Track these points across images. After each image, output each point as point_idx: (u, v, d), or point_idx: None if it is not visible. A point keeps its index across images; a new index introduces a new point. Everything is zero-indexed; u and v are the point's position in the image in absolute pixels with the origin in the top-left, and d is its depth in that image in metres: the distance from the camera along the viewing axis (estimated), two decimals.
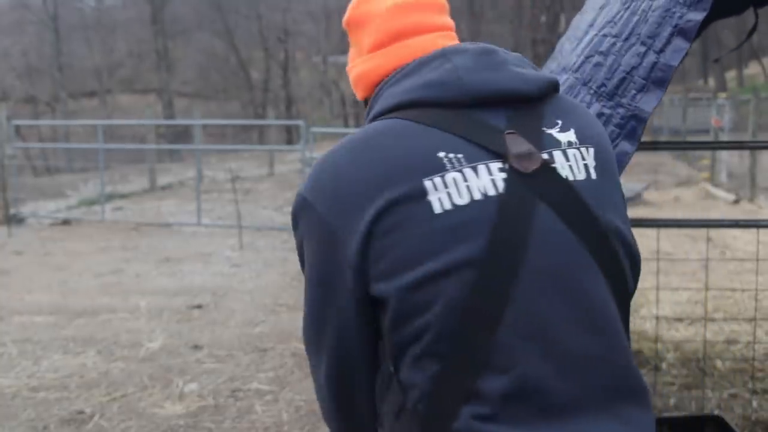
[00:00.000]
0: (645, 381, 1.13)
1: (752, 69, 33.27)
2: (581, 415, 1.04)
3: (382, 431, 1.21)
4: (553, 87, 1.23)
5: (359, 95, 1.37)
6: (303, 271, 1.21)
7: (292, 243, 9.83)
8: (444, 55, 1.21)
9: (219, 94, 38.25)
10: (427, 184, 1.08)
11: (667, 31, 1.55)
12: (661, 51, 1.55)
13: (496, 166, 1.10)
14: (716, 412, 3.37)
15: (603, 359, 1.07)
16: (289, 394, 4.14)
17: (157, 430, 3.71)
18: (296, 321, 5.55)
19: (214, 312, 5.86)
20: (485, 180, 1.09)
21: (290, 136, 28.10)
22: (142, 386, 4.28)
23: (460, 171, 1.09)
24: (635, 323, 4.70)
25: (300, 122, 10.72)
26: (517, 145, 1.12)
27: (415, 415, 1.08)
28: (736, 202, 10.82)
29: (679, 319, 4.92)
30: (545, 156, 1.13)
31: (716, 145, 8.53)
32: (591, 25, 1.99)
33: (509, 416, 1.03)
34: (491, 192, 1.08)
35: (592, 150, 1.19)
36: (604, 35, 1.73)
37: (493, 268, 1.05)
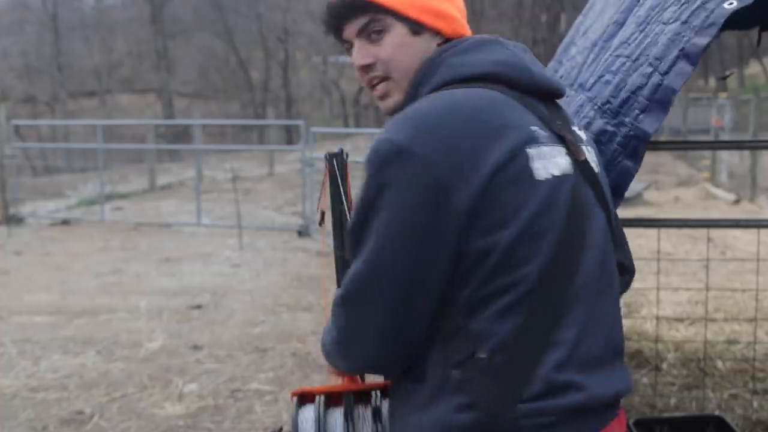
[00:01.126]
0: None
1: (752, 69, 33.28)
2: (606, 368, 1.21)
3: (418, 384, 1.18)
4: None
5: (436, 24, 1.31)
6: (360, 221, 1.15)
7: (292, 243, 9.78)
8: (498, 41, 1.29)
9: (219, 94, 38.26)
10: (529, 151, 1.15)
11: (673, 53, 1.55)
12: (666, 73, 1.55)
13: (563, 150, 1.21)
14: (717, 413, 3.36)
15: (614, 324, 1.26)
16: (288, 395, 4.14)
17: (156, 431, 3.71)
18: (296, 321, 5.55)
19: (214, 312, 5.86)
20: (561, 159, 1.20)
21: (290, 136, 28.08)
22: (142, 386, 4.27)
23: (548, 146, 1.19)
24: (636, 323, 4.70)
25: (300, 122, 10.72)
26: (569, 136, 1.24)
27: (489, 365, 1.12)
28: (737, 202, 10.82)
29: (680, 320, 4.91)
30: (583, 148, 1.27)
31: (717, 145, 8.53)
32: (607, 41, 1.99)
33: (576, 364, 1.15)
34: (567, 171, 1.20)
35: (593, 149, 1.36)
36: (618, 56, 1.74)
37: (570, 236, 1.17)
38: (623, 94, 1.63)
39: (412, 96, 1.29)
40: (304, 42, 37.78)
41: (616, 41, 1.86)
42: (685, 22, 1.57)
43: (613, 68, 1.73)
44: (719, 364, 4.09)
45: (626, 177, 1.58)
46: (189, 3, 37.14)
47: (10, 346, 5.01)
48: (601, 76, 1.75)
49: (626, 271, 1.44)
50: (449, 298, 1.15)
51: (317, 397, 1.39)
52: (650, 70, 1.59)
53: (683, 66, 1.54)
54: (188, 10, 37.25)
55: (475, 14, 33.50)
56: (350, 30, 1.34)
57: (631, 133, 1.57)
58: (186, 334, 5.27)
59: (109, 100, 36.35)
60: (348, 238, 1.19)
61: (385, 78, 1.32)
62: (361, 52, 1.33)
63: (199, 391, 4.21)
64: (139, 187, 14.32)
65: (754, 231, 5.03)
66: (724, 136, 12.97)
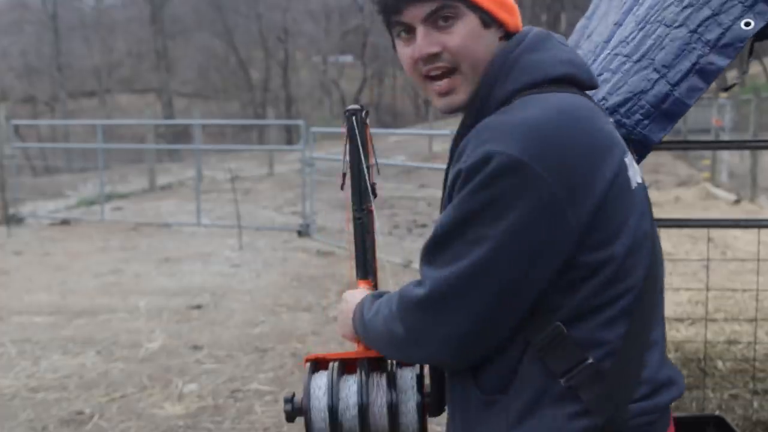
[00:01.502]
0: None
1: (753, 69, 33.28)
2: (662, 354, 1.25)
3: (502, 395, 1.17)
4: None
5: (503, 17, 1.24)
6: (458, 229, 1.10)
7: (292, 243, 9.78)
8: (551, 36, 1.26)
9: (219, 94, 38.27)
10: (626, 160, 1.18)
11: (684, 65, 1.53)
12: (677, 84, 1.54)
13: (630, 158, 1.23)
14: (717, 413, 3.36)
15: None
16: (288, 391, 4.13)
17: (156, 431, 3.70)
18: (296, 321, 5.55)
19: (214, 312, 5.85)
20: (634, 163, 1.24)
21: (290, 136, 28.08)
22: (142, 386, 4.27)
23: (629, 153, 1.21)
24: None
25: (300, 122, 10.71)
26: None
27: (598, 371, 1.13)
28: (737, 202, 10.82)
29: (680, 320, 4.91)
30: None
31: (717, 145, 8.54)
32: (606, 42, 1.98)
33: (666, 362, 1.23)
34: (640, 180, 1.24)
35: None
36: (616, 54, 1.73)
37: (654, 237, 1.23)
38: (622, 95, 1.61)
39: (484, 96, 1.21)
40: (304, 42, 37.81)
41: (614, 41, 1.85)
42: (694, 31, 1.55)
43: (612, 66, 1.71)
44: (719, 364, 4.09)
45: None
46: (189, 3, 37.14)
47: (10, 346, 5.00)
48: (599, 75, 1.74)
49: None
50: (547, 307, 1.12)
51: (331, 364, 1.38)
52: (656, 76, 1.57)
53: (697, 82, 1.53)
54: (188, 10, 37.25)
55: None
56: (414, 13, 1.21)
57: (633, 137, 1.55)
58: (186, 334, 5.27)
59: (108, 100, 36.35)
60: (436, 240, 1.14)
61: (451, 70, 1.22)
62: (427, 39, 1.21)
63: (198, 391, 4.20)
64: (139, 187, 14.31)
65: (754, 231, 5.02)
66: (725, 136, 12.97)
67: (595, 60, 2.04)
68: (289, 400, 1.36)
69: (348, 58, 40.03)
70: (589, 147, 1.11)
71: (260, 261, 7.83)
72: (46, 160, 20.39)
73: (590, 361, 1.12)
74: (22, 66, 34.21)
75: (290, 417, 1.37)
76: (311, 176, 9.55)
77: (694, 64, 1.53)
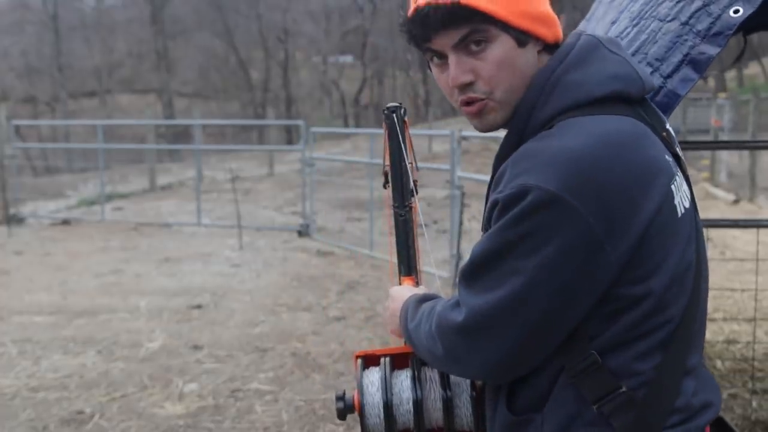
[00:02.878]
0: None
1: (752, 69, 33.27)
2: (707, 375, 1.25)
3: (537, 414, 1.17)
4: None
5: (539, 32, 1.19)
6: (494, 258, 1.10)
7: (292, 243, 9.78)
8: (599, 44, 1.19)
9: (219, 94, 38.27)
10: (672, 188, 1.13)
11: (677, 57, 1.54)
12: (669, 77, 1.54)
13: (680, 171, 1.19)
14: None
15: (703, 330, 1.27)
16: (288, 394, 4.14)
17: (157, 430, 3.71)
18: (296, 321, 5.56)
19: (214, 312, 5.86)
20: (685, 186, 1.19)
21: (290, 136, 28.09)
22: (142, 386, 4.28)
23: (678, 176, 1.17)
24: None
25: (300, 122, 10.72)
26: (675, 148, 1.22)
27: (632, 400, 1.12)
28: (736, 202, 10.83)
29: None
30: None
31: (716, 145, 8.54)
32: None
33: (703, 385, 1.20)
34: (689, 197, 1.20)
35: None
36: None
37: (698, 265, 1.19)
38: None
39: (525, 117, 1.18)
40: (304, 42, 37.82)
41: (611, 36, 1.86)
42: (686, 23, 1.55)
43: None
44: (718, 363, 4.10)
45: None
46: (189, 3, 37.14)
47: (11, 346, 5.01)
48: None
49: None
50: (584, 335, 1.12)
51: (382, 360, 1.37)
52: (649, 70, 1.57)
53: (689, 72, 1.52)
54: (188, 10, 37.25)
55: None
56: (444, 41, 1.17)
57: None
58: (186, 334, 5.28)
59: (109, 100, 36.36)
60: (473, 266, 1.13)
61: (485, 98, 1.19)
62: (460, 68, 1.17)
63: (199, 390, 4.21)
64: (139, 187, 14.32)
65: (753, 231, 5.03)
66: (724, 137, 12.97)
67: None
68: (341, 398, 1.36)
69: (348, 59, 40.03)
70: (631, 179, 1.07)
71: (260, 261, 7.83)
72: (47, 160, 20.40)
73: (623, 389, 1.12)
74: (23, 66, 34.21)
75: (342, 415, 1.37)
76: (311, 176, 9.56)
77: (685, 55, 1.53)
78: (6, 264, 7.85)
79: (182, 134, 21.35)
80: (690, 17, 1.56)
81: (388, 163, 1.48)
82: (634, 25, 1.70)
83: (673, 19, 1.59)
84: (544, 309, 1.08)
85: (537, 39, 1.19)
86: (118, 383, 4.33)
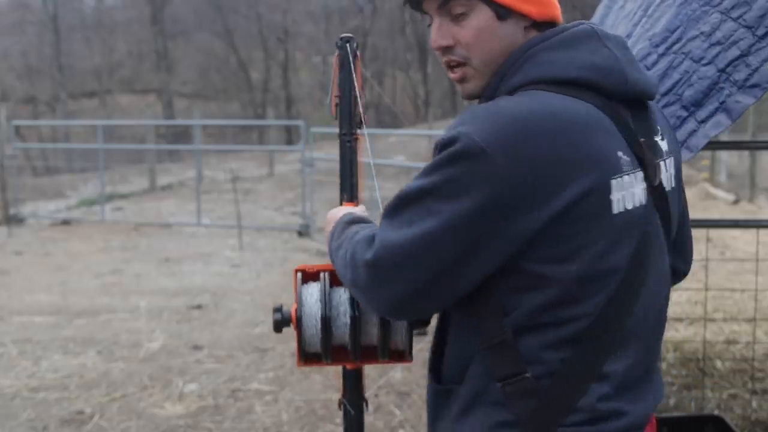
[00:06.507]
0: None
1: None
2: (644, 387, 1.22)
3: (458, 385, 1.20)
4: None
5: (523, 8, 1.21)
6: (414, 197, 1.12)
7: (292, 243, 9.79)
8: (597, 36, 1.19)
9: (219, 95, 38.24)
10: (613, 182, 1.11)
11: (713, 105, 1.55)
12: (704, 122, 1.56)
13: (641, 175, 1.16)
14: (716, 413, 3.37)
15: (659, 342, 1.27)
16: (288, 395, 4.14)
17: (157, 431, 3.71)
18: None
19: (214, 312, 5.86)
20: (639, 189, 1.16)
21: (290, 136, 28.08)
22: (142, 386, 4.28)
23: (629, 175, 1.14)
24: None
25: (300, 122, 10.72)
26: (648, 155, 1.18)
27: (536, 387, 1.13)
28: (736, 202, 10.83)
29: (679, 319, 4.92)
30: (658, 167, 1.21)
31: (716, 145, 8.52)
32: None
33: (623, 394, 1.17)
34: (641, 202, 1.16)
35: (673, 160, 1.29)
36: None
37: (634, 272, 1.15)
38: None
39: (494, 86, 1.21)
40: (304, 42, 37.79)
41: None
42: (723, 71, 1.56)
43: None
44: (718, 364, 4.10)
45: None
46: (189, 3, 37.14)
47: (11, 347, 5.01)
48: None
49: (678, 275, 1.45)
50: (499, 308, 1.14)
51: (322, 274, 1.41)
52: (685, 113, 1.58)
53: (722, 119, 1.55)
54: (188, 11, 37.23)
55: None
56: (430, 4, 1.24)
57: None
58: (186, 334, 5.28)
59: (109, 101, 36.35)
60: (397, 201, 1.15)
61: (463, 63, 1.23)
62: (440, 32, 1.23)
63: (199, 391, 4.21)
64: (139, 188, 14.32)
65: (753, 231, 5.03)
66: (724, 137, 12.96)
67: None
68: (278, 310, 1.42)
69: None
70: (562, 158, 1.07)
71: (260, 261, 7.83)
72: (47, 160, 20.39)
73: (528, 375, 1.12)
74: (23, 66, 34.19)
75: (278, 327, 1.43)
76: (311, 176, 9.57)
77: (721, 103, 1.55)
78: (6, 264, 7.85)
79: (182, 134, 21.34)
80: (727, 65, 1.57)
81: (334, 90, 1.54)
82: (660, 55, 1.68)
83: (708, 64, 1.59)
84: (450, 256, 1.09)
85: (521, 15, 1.20)
86: (118, 383, 4.33)
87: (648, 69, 1.69)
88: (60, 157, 20.46)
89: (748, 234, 7.24)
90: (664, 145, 1.25)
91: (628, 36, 1.97)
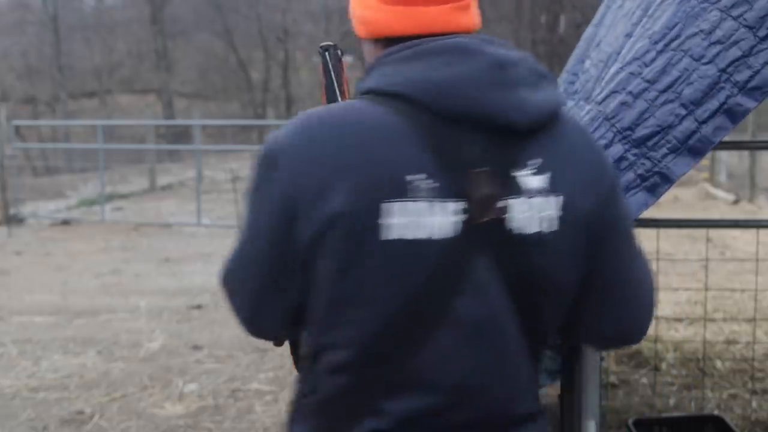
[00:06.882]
0: (537, 406, 1.17)
1: None
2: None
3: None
4: (556, 115, 1.10)
5: (359, 33, 1.23)
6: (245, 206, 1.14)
7: None
8: (459, 51, 1.07)
9: (219, 95, 38.24)
10: (388, 206, 1.01)
11: (713, 104, 1.55)
12: (704, 122, 1.55)
13: (454, 206, 1.03)
14: (716, 413, 3.37)
15: (497, 394, 1.10)
16: (288, 394, 4.14)
17: (157, 431, 3.72)
18: None
19: (214, 312, 5.86)
20: (440, 220, 1.02)
21: None
22: (142, 386, 4.28)
23: (427, 202, 1.02)
24: None
25: None
26: (481, 188, 1.04)
27: (320, 409, 1.13)
28: (736, 202, 10.83)
29: (679, 320, 4.92)
30: (503, 204, 1.05)
31: (716, 146, 8.50)
32: (617, 53, 1.97)
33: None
34: (441, 234, 1.03)
35: (561, 199, 1.08)
36: (632, 73, 1.69)
37: (422, 308, 1.04)
38: (649, 127, 1.59)
39: None
40: (304, 42, 37.78)
41: (626, 54, 1.82)
42: (723, 71, 1.55)
43: (630, 88, 1.67)
44: (718, 364, 4.11)
45: (638, 207, 1.56)
46: (189, 3, 37.15)
47: (11, 346, 5.01)
48: (614, 92, 1.70)
49: (605, 340, 1.26)
50: (300, 318, 1.14)
51: None
52: (683, 111, 1.57)
53: (724, 121, 1.54)
54: (188, 10, 37.24)
55: None
56: None
57: (656, 170, 1.55)
58: (186, 334, 5.28)
59: (109, 101, 36.35)
60: None
61: None
62: None
63: (199, 391, 4.22)
64: (139, 188, 14.32)
65: (753, 231, 5.03)
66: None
67: (605, 69, 2.03)
68: None
69: (348, 59, 39.90)
70: (327, 166, 1.02)
71: None
72: (47, 160, 20.39)
73: (316, 395, 1.12)
74: (23, 66, 34.20)
75: None
76: None
77: (722, 104, 1.54)
78: (6, 264, 7.85)
79: (182, 134, 21.34)
80: (728, 65, 1.56)
81: (323, 100, 1.53)
82: (659, 52, 1.67)
83: (709, 63, 1.58)
84: (262, 265, 1.10)
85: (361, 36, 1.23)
86: (118, 383, 4.33)
87: (647, 66, 1.69)
88: (60, 157, 20.46)
89: (748, 234, 7.24)
90: (535, 181, 1.07)
91: (628, 35, 1.96)
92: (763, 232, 4.10)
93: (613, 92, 1.70)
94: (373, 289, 1.03)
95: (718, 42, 1.59)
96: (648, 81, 1.65)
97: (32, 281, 7.02)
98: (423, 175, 1.02)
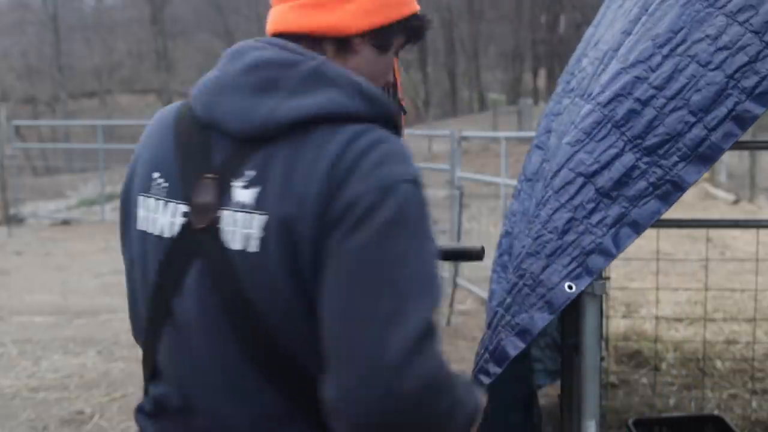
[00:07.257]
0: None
1: None
2: None
3: None
4: (306, 125, 1.02)
5: None
6: None
7: None
8: (231, 54, 1.12)
9: None
10: (140, 199, 1.14)
11: (721, 111, 1.54)
12: (713, 129, 1.54)
13: (181, 209, 1.07)
14: (716, 413, 3.37)
15: (219, 403, 1.08)
16: None
17: None
18: None
19: None
20: (167, 220, 1.09)
21: None
22: (142, 386, 4.28)
23: (162, 201, 1.10)
24: (635, 323, 4.71)
25: None
26: (203, 194, 1.05)
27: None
28: (736, 202, 10.83)
29: (679, 320, 4.92)
30: (218, 213, 1.04)
31: None
32: (615, 50, 1.95)
33: (156, 416, 1.17)
34: (167, 234, 1.09)
35: (263, 219, 1.00)
36: (638, 77, 1.68)
37: (155, 308, 1.12)
38: (660, 135, 1.59)
39: None
40: None
41: (629, 55, 1.79)
42: (731, 77, 1.55)
43: (637, 95, 1.65)
44: (718, 364, 4.11)
45: (651, 216, 1.54)
46: (189, 3, 37.16)
47: (11, 347, 5.01)
48: (619, 96, 1.68)
49: (329, 403, 0.96)
50: None
51: None
52: (692, 119, 1.56)
53: (733, 128, 1.53)
54: (188, 11, 37.26)
55: (474, 16, 33.50)
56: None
57: (668, 178, 1.54)
58: None
59: (109, 101, 36.36)
60: None
61: None
62: None
63: None
64: None
65: (753, 231, 5.03)
66: None
67: (601, 66, 2.02)
68: None
69: None
70: (136, 154, 1.20)
71: None
72: (47, 160, 20.40)
73: None
74: (23, 66, 34.21)
75: None
76: None
77: (730, 111, 1.53)
78: (6, 264, 7.85)
79: None
80: (735, 71, 1.55)
81: None
82: (665, 57, 1.66)
83: (716, 69, 1.57)
84: None
85: None
86: (118, 383, 4.33)
87: (653, 71, 1.67)
88: (60, 157, 20.46)
89: (748, 234, 7.24)
90: (244, 195, 1.02)
91: (626, 33, 1.95)
92: (763, 232, 4.10)
93: (619, 96, 1.68)
94: (133, 273, 1.18)
95: (725, 47, 1.58)
96: (655, 87, 1.63)
97: (32, 281, 7.02)
98: (159, 174, 1.11)
